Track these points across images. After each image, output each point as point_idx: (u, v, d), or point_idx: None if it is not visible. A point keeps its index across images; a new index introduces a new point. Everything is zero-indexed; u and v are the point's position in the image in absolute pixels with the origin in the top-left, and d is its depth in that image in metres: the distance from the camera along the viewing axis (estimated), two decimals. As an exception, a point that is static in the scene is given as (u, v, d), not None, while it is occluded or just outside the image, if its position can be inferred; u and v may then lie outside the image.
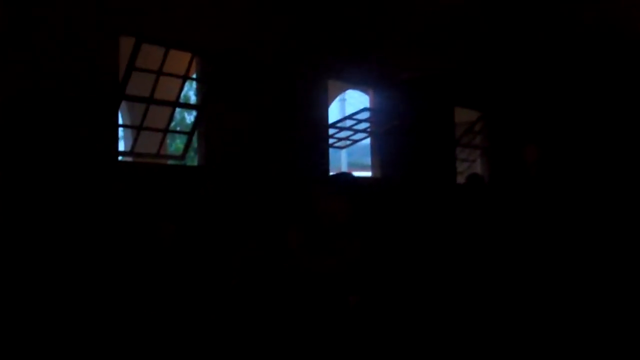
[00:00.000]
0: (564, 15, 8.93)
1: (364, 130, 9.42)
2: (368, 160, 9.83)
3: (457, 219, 8.99)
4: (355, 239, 4.26)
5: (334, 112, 12.88)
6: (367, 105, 9.58)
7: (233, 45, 7.08)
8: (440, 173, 9.91)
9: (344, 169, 16.76)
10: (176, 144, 15.64)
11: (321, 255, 4.13)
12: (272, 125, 7.51)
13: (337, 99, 12.63)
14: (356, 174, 8.61)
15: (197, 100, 7.41)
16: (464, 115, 10.62)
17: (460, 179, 10.11)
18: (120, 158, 6.64)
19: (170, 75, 6.79)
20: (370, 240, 4.38)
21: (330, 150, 9.03)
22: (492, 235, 8.44)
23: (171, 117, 7.29)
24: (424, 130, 9.61)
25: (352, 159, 18.17)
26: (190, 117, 16.92)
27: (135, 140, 7.05)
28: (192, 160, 9.45)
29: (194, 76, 7.23)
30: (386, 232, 8.13)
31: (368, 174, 9.74)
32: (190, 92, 15.51)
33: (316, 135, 8.14)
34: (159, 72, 6.55)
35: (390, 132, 9.14)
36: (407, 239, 8.33)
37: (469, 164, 10.72)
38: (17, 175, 5.38)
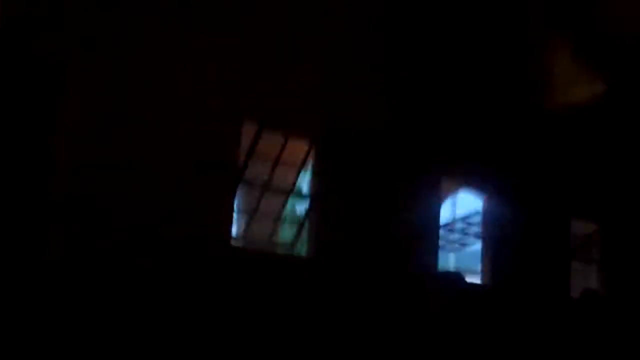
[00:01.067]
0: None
1: (475, 235, 9.22)
2: (477, 265, 9.56)
3: (570, 335, 8.55)
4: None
5: (445, 213, 12.73)
6: (479, 209, 9.42)
7: (349, 137, 7.15)
8: (553, 286, 9.48)
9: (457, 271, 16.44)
10: (285, 232, 15.65)
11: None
12: (382, 221, 7.43)
13: (449, 199, 12.49)
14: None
15: (310, 190, 7.48)
16: (580, 227, 10.24)
17: (574, 293, 9.68)
18: (232, 242, 6.75)
19: (287, 164, 6.93)
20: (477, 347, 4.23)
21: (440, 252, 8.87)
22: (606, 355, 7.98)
23: (284, 205, 7.40)
24: (538, 239, 9.30)
25: (461, 263, 17.65)
26: (300, 207, 16.99)
27: (247, 224, 7.16)
28: (301, 249, 9.48)
29: (310, 167, 7.36)
30: (493, 343, 7.82)
31: (477, 280, 9.46)
32: (302, 182, 15.61)
33: (427, 234, 8.02)
34: (277, 160, 6.70)
35: (503, 239, 8.89)
36: (515, 349, 7.94)
37: (584, 278, 10.26)
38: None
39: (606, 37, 7.36)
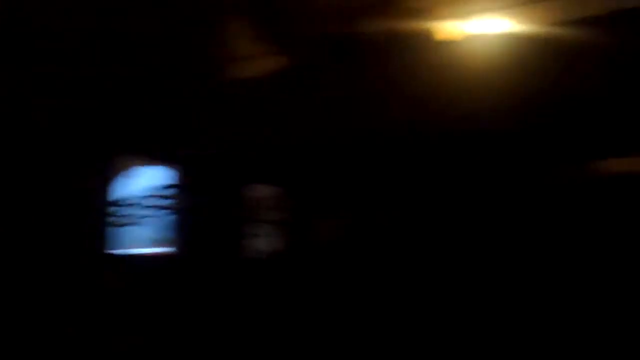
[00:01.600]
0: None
1: (158, 207, 9.30)
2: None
3: (249, 292, 9.08)
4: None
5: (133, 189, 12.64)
6: (163, 180, 9.49)
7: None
8: (237, 248, 9.96)
9: (148, 244, 16.56)
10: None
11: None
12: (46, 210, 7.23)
13: (131, 173, 12.40)
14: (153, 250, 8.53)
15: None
16: (262, 190, 10.81)
17: (255, 254, 10.25)
18: None
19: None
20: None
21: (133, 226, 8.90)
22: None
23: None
24: (221, 206, 9.66)
25: (152, 233, 17.76)
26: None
27: None
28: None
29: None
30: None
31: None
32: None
33: (96, 214, 7.96)
34: None
35: (191, 209, 9.11)
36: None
37: (260, 239, 10.89)
38: None
39: (285, 11, 7.80)
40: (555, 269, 8.11)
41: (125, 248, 11.96)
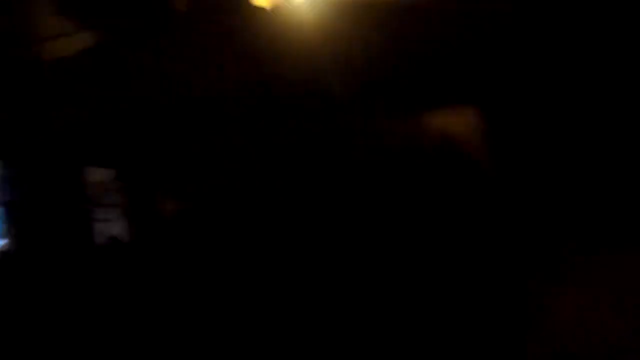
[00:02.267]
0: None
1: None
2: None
3: (95, 281, 8.83)
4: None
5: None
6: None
7: None
8: (76, 237, 9.62)
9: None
10: None
11: None
12: None
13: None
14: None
15: None
16: (98, 175, 10.46)
17: (101, 240, 9.94)
18: None
19: None
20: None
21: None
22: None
23: None
24: (54, 194, 9.28)
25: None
26: None
27: None
28: None
29: None
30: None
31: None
32: None
33: None
34: None
35: (18, 202, 8.71)
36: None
37: (108, 224, 10.56)
38: None
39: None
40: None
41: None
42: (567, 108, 7.80)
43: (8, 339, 7.15)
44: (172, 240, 9.71)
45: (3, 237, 8.87)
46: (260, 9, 6.63)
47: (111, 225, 10.49)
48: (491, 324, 6.52)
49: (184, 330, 8.08)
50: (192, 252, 9.21)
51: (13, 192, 8.70)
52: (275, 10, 6.75)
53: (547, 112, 7.75)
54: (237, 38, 7.19)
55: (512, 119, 7.90)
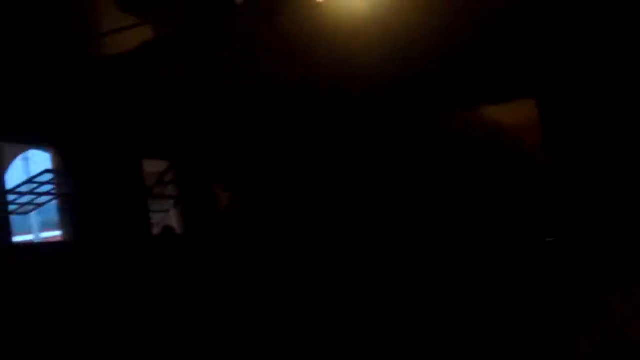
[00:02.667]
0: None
1: (47, 193, 8.96)
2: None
3: (151, 271, 8.88)
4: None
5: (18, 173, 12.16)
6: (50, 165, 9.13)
7: None
8: (133, 228, 9.70)
9: (37, 231, 15.97)
10: None
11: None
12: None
13: (20, 158, 11.93)
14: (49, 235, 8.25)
15: None
16: (153, 166, 10.55)
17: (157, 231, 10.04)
18: None
19: None
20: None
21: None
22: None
23: None
24: (112, 186, 9.36)
25: (46, 218, 17.16)
26: None
27: None
28: None
29: None
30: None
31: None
32: None
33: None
34: None
35: (77, 194, 8.78)
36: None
37: (163, 215, 10.65)
38: None
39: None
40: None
41: (21, 235, 11.55)
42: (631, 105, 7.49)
43: (69, 326, 7.24)
44: (227, 232, 9.72)
45: (59, 228, 9.01)
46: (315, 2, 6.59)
47: (167, 217, 10.58)
48: (545, 322, 6.43)
49: (236, 318, 8.11)
50: (245, 245, 9.21)
51: (71, 184, 8.82)
52: (329, 2, 6.72)
53: (609, 107, 7.47)
54: (302, 31, 7.15)
55: (573, 114, 7.70)
